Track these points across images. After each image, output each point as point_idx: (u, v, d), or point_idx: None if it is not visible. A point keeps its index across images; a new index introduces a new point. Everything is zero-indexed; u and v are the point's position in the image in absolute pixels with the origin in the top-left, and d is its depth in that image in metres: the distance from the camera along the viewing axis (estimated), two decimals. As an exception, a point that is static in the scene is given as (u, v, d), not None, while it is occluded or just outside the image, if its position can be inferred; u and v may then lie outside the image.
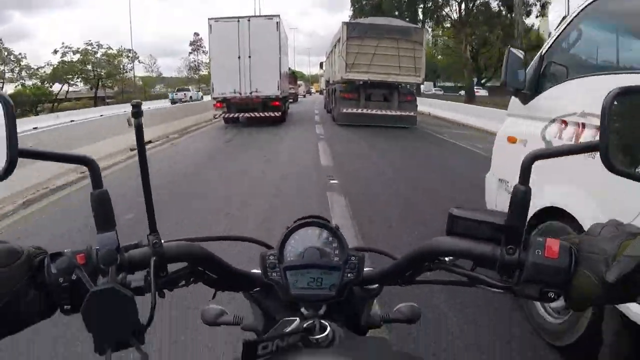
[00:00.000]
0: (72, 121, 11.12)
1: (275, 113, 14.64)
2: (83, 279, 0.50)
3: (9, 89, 37.12)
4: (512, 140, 2.94)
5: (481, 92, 38.99)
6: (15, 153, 0.47)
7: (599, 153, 0.49)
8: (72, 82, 41.78)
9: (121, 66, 44.57)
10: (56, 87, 40.74)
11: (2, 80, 38.98)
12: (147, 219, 0.54)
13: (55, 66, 39.95)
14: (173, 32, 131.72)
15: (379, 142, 10.90)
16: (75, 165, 0.63)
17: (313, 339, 0.57)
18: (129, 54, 44.45)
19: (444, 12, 33.71)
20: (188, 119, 14.99)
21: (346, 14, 34.79)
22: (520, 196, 0.52)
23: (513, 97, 2.98)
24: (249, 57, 14.05)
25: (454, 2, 32.26)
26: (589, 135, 2.17)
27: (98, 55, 42.07)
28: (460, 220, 0.56)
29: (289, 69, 24.01)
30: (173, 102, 33.50)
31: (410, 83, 15.17)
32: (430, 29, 35.12)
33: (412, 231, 4.18)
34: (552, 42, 2.72)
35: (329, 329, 0.58)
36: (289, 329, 0.59)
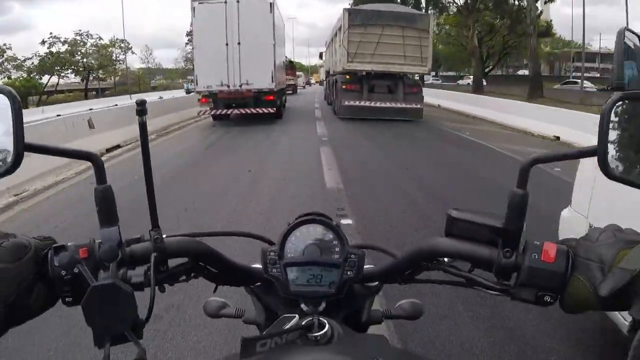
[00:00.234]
0: (58, 115, 9.89)
1: (269, 109, 12.84)
2: (84, 273, 0.51)
3: (-7, 81, 35.79)
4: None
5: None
6: (22, 147, 0.49)
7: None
8: (62, 74, 40.28)
9: (114, 57, 42.88)
10: (47, 79, 39.36)
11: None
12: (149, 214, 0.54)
13: (42, 57, 38.38)
14: (173, 24, 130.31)
15: (394, 146, 9.12)
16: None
17: (311, 336, 0.56)
18: (122, 45, 42.67)
19: (449, -1, 32.67)
20: (171, 115, 13.37)
21: (347, 3, 33.40)
22: (518, 200, 0.52)
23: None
24: (239, 43, 12.20)
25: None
26: None
27: (88, 45, 40.47)
28: (459, 222, 0.56)
29: (286, 58, 22.53)
30: (188, 92, 31.79)
31: (417, 73, 14.77)
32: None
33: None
34: None
35: (327, 326, 0.57)
36: (287, 326, 0.58)
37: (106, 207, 0.54)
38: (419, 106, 13.64)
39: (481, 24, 33.60)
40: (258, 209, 4.72)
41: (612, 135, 0.50)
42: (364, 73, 13.62)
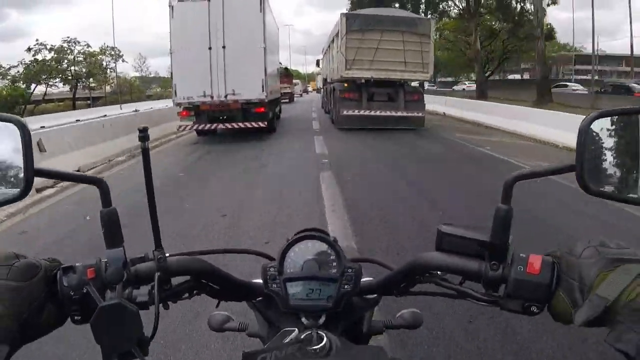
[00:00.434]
0: (42, 127, 8.74)
1: (260, 123, 11.09)
2: (92, 294, 0.54)
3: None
4: None
5: (474, 87, 36.29)
6: (32, 175, 0.53)
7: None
8: (50, 83, 38.90)
9: (104, 65, 41.46)
10: (34, 88, 37.93)
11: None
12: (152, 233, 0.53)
13: (27, 65, 36.72)
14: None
15: (412, 169, 7.51)
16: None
17: (310, 349, 0.57)
18: (112, 52, 41.23)
19: (449, 2, 32.10)
20: (152, 130, 11.90)
21: (344, 9, 32.55)
22: (502, 215, 0.54)
23: None
24: (223, 47, 10.49)
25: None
26: None
27: (75, 53, 38.87)
28: (448, 237, 0.58)
29: (281, 65, 21.37)
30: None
31: (418, 80, 14.22)
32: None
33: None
34: None
35: (325, 339, 0.59)
36: (286, 340, 0.61)
37: (111, 229, 0.57)
38: (420, 114, 13.12)
39: (481, 29, 32.91)
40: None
41: (590, 151, 0.52)
42: (363, 81, 13.03)
